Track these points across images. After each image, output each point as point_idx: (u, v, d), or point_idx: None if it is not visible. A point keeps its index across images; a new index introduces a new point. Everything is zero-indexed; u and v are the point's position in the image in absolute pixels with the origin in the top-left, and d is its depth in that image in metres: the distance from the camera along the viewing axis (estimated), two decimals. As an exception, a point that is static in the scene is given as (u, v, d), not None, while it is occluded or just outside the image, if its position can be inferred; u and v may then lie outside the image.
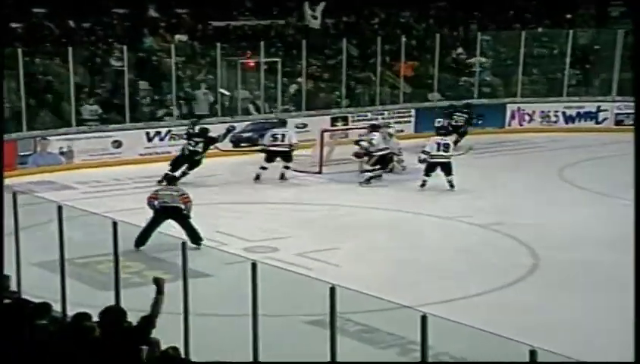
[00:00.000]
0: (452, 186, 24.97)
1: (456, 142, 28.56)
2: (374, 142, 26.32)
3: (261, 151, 26.80)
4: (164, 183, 21.32)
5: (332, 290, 10.95)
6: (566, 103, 33.89)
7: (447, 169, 25.08)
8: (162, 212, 19.12)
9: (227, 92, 30.62)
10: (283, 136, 26.63)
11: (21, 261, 14.54)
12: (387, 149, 26.73)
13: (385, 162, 26.66)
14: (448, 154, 25.32)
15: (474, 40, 34.37)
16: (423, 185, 25.20)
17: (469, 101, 32.45)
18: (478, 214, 22.43)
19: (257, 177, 26.18)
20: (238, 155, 28.98)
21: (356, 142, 27.34)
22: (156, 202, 19.26)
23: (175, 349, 10.89)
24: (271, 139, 26.59)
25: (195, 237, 18.39)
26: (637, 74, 12.87)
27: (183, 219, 19.08)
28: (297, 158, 28.06)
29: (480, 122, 32.08)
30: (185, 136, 26.56)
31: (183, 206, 19.23)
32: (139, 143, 28.64)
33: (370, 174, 26.01)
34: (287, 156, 26.51)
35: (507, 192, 24.96)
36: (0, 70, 19.19)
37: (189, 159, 25.89)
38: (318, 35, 33.82)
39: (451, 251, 20.13)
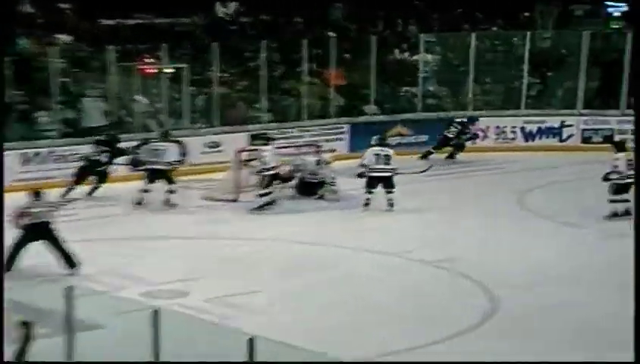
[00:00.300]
0: (391, 205, 25.42)
1: (450, 156, 31.40)
2: (265, 160, 26.48)
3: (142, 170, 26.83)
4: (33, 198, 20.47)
5: (251, 340, 10.87)
6: (525, 117, 34.10)
7: (388, 184, 25.45)
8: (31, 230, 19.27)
9: (143, 100, 30.32)
10: (163, 151, 26.68)
11: None
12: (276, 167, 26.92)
13: (280, 181, 27.03)
14: (389, 167, 25.55)
15: (415, 43, 34.50)
16: (367, 204, 25.54)
17: (471, 115, 33.18)
18: (424, 249, 22.42)
19: (138, 203, 26.11)
20: (140, 180, 28.80)
21: (245, 162, 27.56)
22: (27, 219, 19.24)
23: None
24: (150, 155, 26.64)
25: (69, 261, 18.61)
26: (637, 76, 13.00)
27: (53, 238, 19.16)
28: (210, 184, 28.12)
29: (473, 137, 33.09)
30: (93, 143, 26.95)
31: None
32: (13, 167, 28.16)
33: (263, 199, 26.10)
34: (168, 177, 26.58)
35: (459, 222, 25.01)
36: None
37: (91, 170, 26.51)
38: (234, 36, 33.82)
39: (394, 293, 20.09)
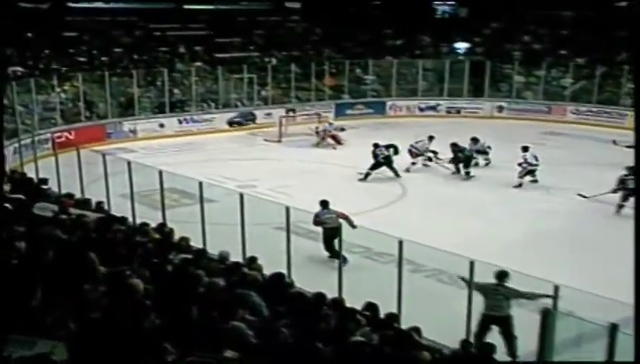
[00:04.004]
0: (536, 181, 20.03)
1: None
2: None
3: None
4: None
5: (287, 209, 11.10)
6: (420, 100, 33.38)
7: (533, 174, 20.03)
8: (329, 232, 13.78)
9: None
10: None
11: (110, 193, 14.60)
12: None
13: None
14: (536, 163, 20.05)
15: (366, 65, 34.07)
16: (520, 185, 19.86)
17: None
18: (367, 165, 21.04)
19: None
20: (232, 132, 28.93)
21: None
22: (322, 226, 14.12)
23: (186, 240, 11.01)
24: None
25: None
26: (636, 77, 12.02)
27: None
28: (266, 133, 28.10)
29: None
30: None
31: (339, 222, 12.98)
32: (174, 125, 28.44)
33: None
34: None
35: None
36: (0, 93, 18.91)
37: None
38: (278, 62, 33.50)
39: (354, 186, 20.12)
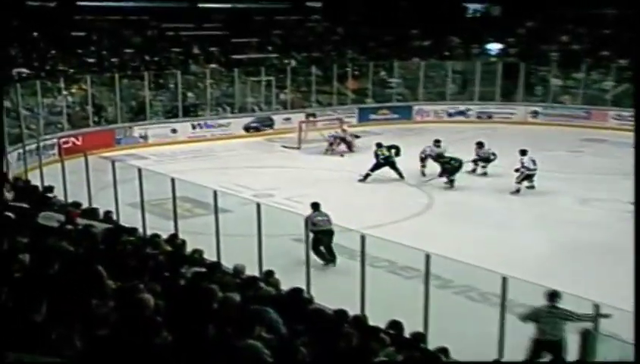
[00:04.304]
0: (534, 187, 20.28)
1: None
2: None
3: None
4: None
5: (306, 220, 11.09)
6: (448, 105, 33.40)
7: (531, 179, 20.34)
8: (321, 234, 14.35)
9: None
10: None
11: (118, 202, 14.66)
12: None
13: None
14: (537, 168, 20.32)
15: (391, 67, 34.04)
16: (518, 191, 20.18)
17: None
18: (392, 173, 21.71)
19: None
20: (248, 137, 29.07)
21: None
22: (314, 228, 13.92)
23: (199, 252, 11.04)
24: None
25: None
26: (637, 78, 11.83)
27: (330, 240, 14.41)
28: (284, 139, 28.15)
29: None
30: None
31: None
32: (188, 130, 28.59)
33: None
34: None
35: (414, 160, 22.97)
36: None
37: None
38: (298, 64, 33.60)
39: (378, 195, 20.17)
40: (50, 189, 14.98)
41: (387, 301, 11.09)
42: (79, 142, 24.73)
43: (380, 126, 30.80)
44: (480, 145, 22.57)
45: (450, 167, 21.06)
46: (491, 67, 33.58)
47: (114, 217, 13.95)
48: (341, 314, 8.30)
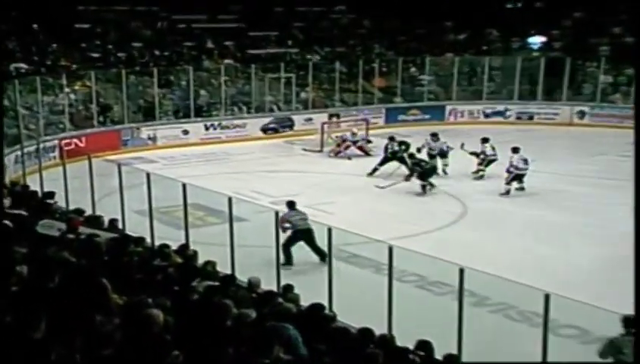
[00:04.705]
0: (523, 189, 20.89)
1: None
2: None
3: None
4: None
5: (329, 230, 11.10)
6: (485, 105, 33.43)
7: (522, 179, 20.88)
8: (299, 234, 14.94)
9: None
10: None
11: (125, 209, 14.72)
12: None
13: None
14: (529, 168, 20.92)
15: (423, 64, 33.99)
16: (508, 192, 20.66)
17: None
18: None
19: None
20: (266, 139, 29.15)
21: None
22: (288, 225, 14.85)
23: (212, 264, 11.08)
24: None
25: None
26: (637, 76, 11.74)
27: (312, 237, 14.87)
28: (305, 141, 28.18)
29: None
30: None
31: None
32: (200, 131, 28.71)
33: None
34: None
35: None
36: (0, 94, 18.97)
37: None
38: (320, 59, 33.65)
39: (407, 204, 20.16)
40: (50, 194, 15.05)
41: (417, 319, 11.07)
42: (82, 144, 24.90)
43: (409, 127, 30.75)
44: (435, 136, 23.87)
45: (419, 170, 21.19)
46: (533, 62, 33.49)
47: (120, 225, 14.03)
48: (366, 333, 8.29)
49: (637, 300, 5.98)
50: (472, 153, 22.53)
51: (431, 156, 23.10)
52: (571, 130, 30.08)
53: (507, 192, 20.63)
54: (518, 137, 25.25)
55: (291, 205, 15.49)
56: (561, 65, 32.47)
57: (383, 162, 22.98)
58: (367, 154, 25.91)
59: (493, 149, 22.39)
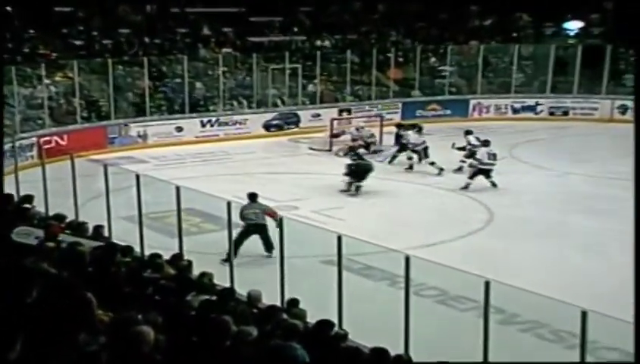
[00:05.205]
0: (494, 185, 21.63)
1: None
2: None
3: None
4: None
5: (339, 238, 11.06)
6: (514, 99, 33.47)
7: (489, 174, 21.59)
8: (249, 228, 15.68)
9: None
10: None
11: (111, 215, 14.73)
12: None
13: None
14: (496, 163, 21.76)
15: (444, 53, 33.96)
16: (466, 187, 21.56)
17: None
18: (447, 181, 22.22)
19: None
20: (269, 137, 29.18)
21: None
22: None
23: (209, 276, 11.06)
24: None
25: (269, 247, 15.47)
26: (637, 74, 12.04)
27: (264, 231, 15.66)
28: (313, 139, 28.19)
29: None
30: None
31: (267, 220, 15.63)
32: (196, 128, 28.74)
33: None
34: None
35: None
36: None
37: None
38: (329, 48, 33.65)
39: (428, 209, 20.16)
40: (28, 198, 15.06)
41: (437, 338, 11.05)
42: (63, 142, 24.96)
43: (428, 124, 30.52)
44: (415, 129, 24.91)
45: (354, 170, 21.53)
46: (569, 51, 33.44)
47: (106, 233, 14.02)
48: (380, 353, 8.28)
49: (637, 302, 6.15)
50: (458, 148, 23.48)
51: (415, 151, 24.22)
52: (611, 127, 29.96)
53: (466, 187, 21.43)
54: (550, 136, 25.33)
55: (251, 197, 16.20)
56: (600, 54, 32.41)
57: (400, 150, 24.75)
58: (367, 147, 26.16)
59: (477, 139, 23.15)
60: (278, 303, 11.02)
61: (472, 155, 22.63)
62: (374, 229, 15.25)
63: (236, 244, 14.72)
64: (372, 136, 26.85)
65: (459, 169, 23.15)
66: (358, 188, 21.25)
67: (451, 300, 13.63)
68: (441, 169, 23.18)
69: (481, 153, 21.71)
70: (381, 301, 13.62)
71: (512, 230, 18.13)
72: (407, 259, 10.31)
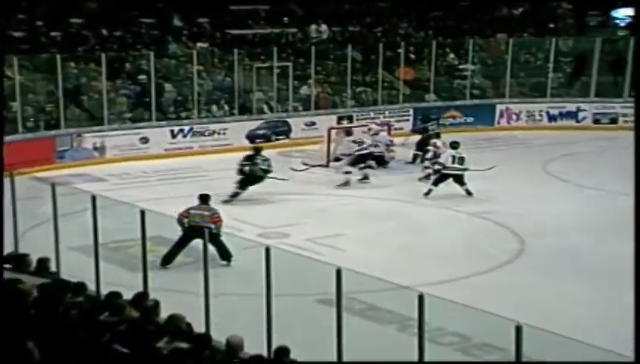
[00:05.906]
0: (469, 193, 22.83)
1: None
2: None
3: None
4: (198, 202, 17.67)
5: (338, 272, 11.03)
6: (550, 103, 33.63)
7: (460, 181, 22.92)
8: (191, 232, 16.68)
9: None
10: None
11: (60, 245, 14.68)
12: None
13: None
14: (462, 167, 23.04)
15: (465, 49, 34.10)
16: (428, 194, 22.87)
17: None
18: (471, 204, 22.29)
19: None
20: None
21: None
22: (185, 221, 16.93)
23: (179, 319, 11.02)
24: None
25: (225, 254, 16.64)
26: (637, 74, 12.47)
27: (213, 238, 16.14)
28: (306, 153, 28.20)
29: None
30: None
31: (212, 226, 16.60)
32: (164, 139, 28.75)
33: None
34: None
35: (498, 185, 23.92)
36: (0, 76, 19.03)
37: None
38: (326, 42, 33.69)
39: (446, 237, 20.16)
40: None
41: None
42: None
43: (446, 133, 30.69)
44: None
45: (245, 177, 22.84)
46: (618, 45, 33.51)
47: (53, 267, 13.98)
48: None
49: (637, 303, 6.92)
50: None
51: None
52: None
53: (428, 193, 22.77)
54: (595, 148, 25.32)
55: (202, 198, 17.52)
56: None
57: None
58: (383, 163, 26.42)
59: (460, 160, 23.31)
60: (264, 353, 10.98)
61: (435, 157, 23.76)
62: (380, 261, 15.17)
63: (173, 253, 15.94)
64: (392, 142, 26.92)
65: (427, 177, 24.21)
66: (235, 195, 22.55)
67: (474, 348, 13.59)
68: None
69: (445, 156, 22.76)
70: (389, 348, 13.59)
71: (549, 265, 18.11)
72: (421, 298, 10.26)
